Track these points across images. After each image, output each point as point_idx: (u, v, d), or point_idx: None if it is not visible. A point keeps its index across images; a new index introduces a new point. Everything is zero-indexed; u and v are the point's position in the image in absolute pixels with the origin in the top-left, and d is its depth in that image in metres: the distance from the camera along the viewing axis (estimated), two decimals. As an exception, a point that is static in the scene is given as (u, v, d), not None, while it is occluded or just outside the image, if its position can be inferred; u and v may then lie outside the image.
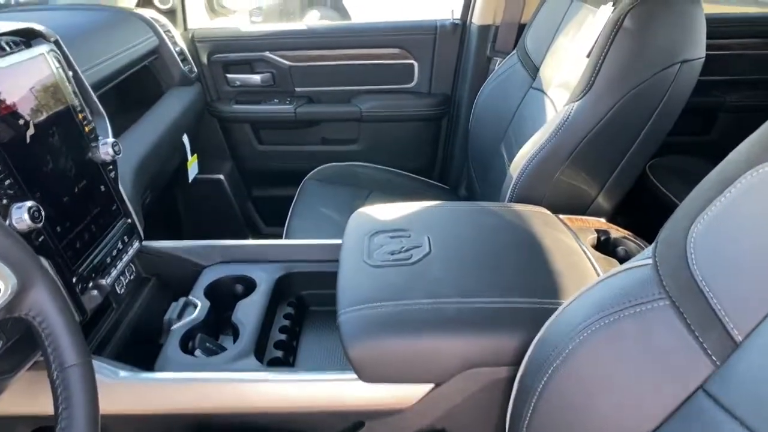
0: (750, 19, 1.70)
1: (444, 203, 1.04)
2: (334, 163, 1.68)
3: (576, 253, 0.88)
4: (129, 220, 1.00)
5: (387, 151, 1.78)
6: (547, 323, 0.65)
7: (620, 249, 0.98)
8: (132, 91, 1.49)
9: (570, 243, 0.91)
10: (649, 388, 0.53)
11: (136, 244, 1.01)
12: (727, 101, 1.66)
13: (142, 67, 1.47)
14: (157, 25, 1.52)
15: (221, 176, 1.78)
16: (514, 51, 1.45)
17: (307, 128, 1.78)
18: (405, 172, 1.71)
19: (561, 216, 1.02)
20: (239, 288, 1.05)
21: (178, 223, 1.85)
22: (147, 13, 1.56)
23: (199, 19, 1.77)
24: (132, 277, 1.05)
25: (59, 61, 0.89)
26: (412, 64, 1.69)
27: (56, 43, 0.91)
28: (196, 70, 1.66)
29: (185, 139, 1.54)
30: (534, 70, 1.36)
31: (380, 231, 0.93)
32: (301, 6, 4.92)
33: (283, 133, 1.80)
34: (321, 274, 1.05)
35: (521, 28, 1.48)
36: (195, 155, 1.63)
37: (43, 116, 0.82)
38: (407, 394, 0.76)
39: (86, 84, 0.98)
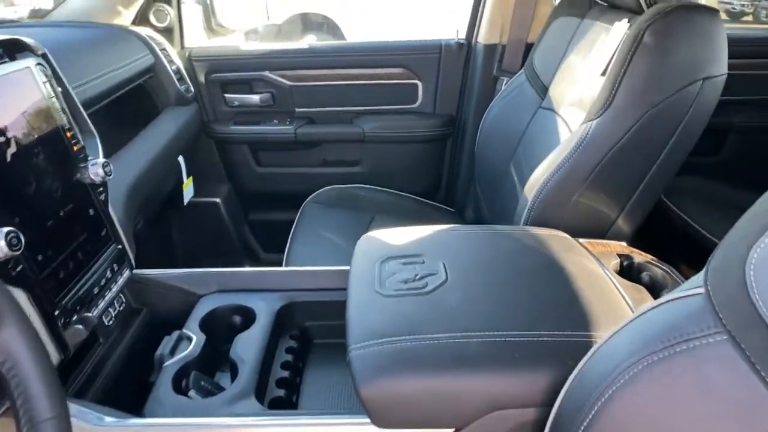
0: (756, 39, 1.68)
1: (456, 227, 0.98)
2: (335, 186, 1.62)
3: (602, 280, 0.82)
4: (119, 247, 0.93)
5: (390, 173, 1.73)
6: (584, 359, 0.58)
7: (645, 275, 0.92)
8: (126, 110, 1.43)
9: (594, 269, 0.85)
10: (708, 434, 0.46)
11: (126, 273, 0.94)
12: (735, 122, 1.62)
13: (137, 86, 1.41)
14: (153, 43, 1.48)
15: (218, 200, 1.72)
16: (522, 70, 1.40)
17: (308, 150, 1.73)
18: (409, 195, 1.65)
19: (580, 240, 0.96)
20: (237, 319, 0.98)
21: (172, 249, 1.77)
22: (143, 31, 1.51)
23: (197, 39, 1.73)
24: (121, 308, 0.97)
25: (47, 76, 0.83)
26: (415, 84, 1.65)
27: (44, 56, 0.85)
28: (192, 89, 1.60)
29: (181, 160, 1.48)
30: (543, 90, 1.32)
31: (391, 257, 0.87)
32: (297, 30, 4.93)
33: (283, 154, 1.74)
34: (326, 304, 0.99)
35: (528, 48, 1.44)
36: (191, 177, 1.57)
37: (27, 134, 0.75)
38: (425, 439, 0.69)
39: (76, 101, 0.92)
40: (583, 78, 1.12)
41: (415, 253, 0.87)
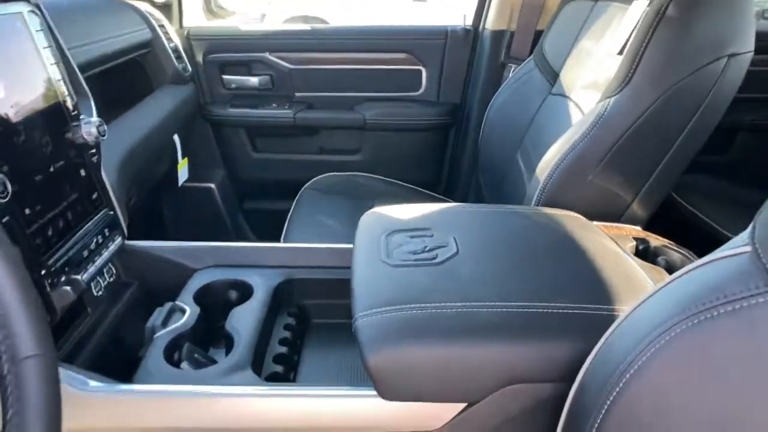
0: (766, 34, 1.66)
1: (465, 205, 0.94)
2: (334, 173, 1.57)
3: (620, 257, 0.78)
4: (111, 212, 0.88)
5: (390, 162, 1.69)
6: (609, 331, 0.54)
7: (661, 259, 0.88)
8: (120, 85, 1.38)
9: (611, 247, 0.81)
10: (756, 401, 0.42)
11: (118, 240, 0.89)
12: (746, 120, 1.60)
13: (132, 61, 1.37)
14: (151, 18, 1.43)
15: (212, 185, 1.67)
16: (531, 57, 1.37)
17: (307, 136, 1.69)
18: (409, 185, 1.61)
19: (596, 223, 0.92)
20: (234, 294, 0.94)
21: (163, 233, 1.72)
22: (141, 5, 1.46)
23: (196, 19, 1.69)
24: (111, 279, 0.92)
25: (40, 25, 0.79)
26: (419, 71, 1.62)
27: (37, 6, 0.81)
28: (190, 68, 1.56)
29: (176, 139, 1.43)
30: (553, 76, 1.29)
31: (398, 230, 0.83)
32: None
33: (281, 140, 1.70)
34: (326, 282, 0.94)
35: (538, 34, 1.41)
36: (186, 158, 1.52)
37: (17, 80, 0.71)
38: (435, 414, 0.64)
39: (70, 58, 0.87)
40: (598, 60, 1.09)
41: (424, 227, 0.83)
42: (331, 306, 0.95)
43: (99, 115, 0.89)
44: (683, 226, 1.40)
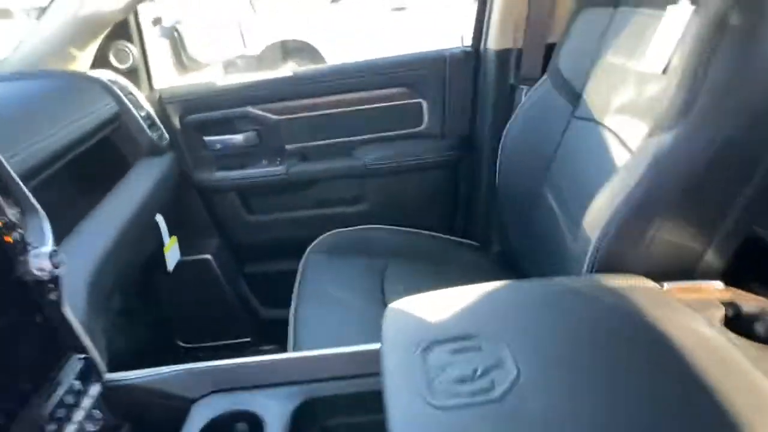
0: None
1: (507, 284, 0.77)
2: (339, 230, 1.41)
3: (721, 349, 0.61)
4: (82, 356, 0.73)
5: (398, 208, 1.53)
6: None
7: (758, 325, 0.71)
8: (91, 168, 1.23)
9: (706, 333, 0.64)
10: None
11: (95, 388, 0.74)
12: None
13: (101, 139, 1.21)
14: (115, 88, 1.28)
15: (208, 256, 1.51)
16: (545, 76, 1.21)
17: (304, 190, 1.53)
18: (424, 231, 1.45)
19: (666, 285, 0.75)
20: (241, 428, 0.77)
21: (162, 319, 1.56)
22: (103, 75, 1.31)
23: (167, 78, 1.53)
24: (97, 428, 0.76)
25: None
26: (419, 104, 1.45)
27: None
28: (167, 135, 1.40)
29: (160, 219, 1.27)
30: (574, 96, 1.13)
31: (435, 341, 0.66)
32: (277, 58, 4.76)
33: (276, 198, 1.54)
34: (354, 397, 0.78)
35: (550, 49, 1.25)
36: (174, 237, 1.36)
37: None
38: None
39: (11, 174, 0.71)
40: (634, 79, 0.92)
41: (466, 334, 0.66)
42: (363, 425, 0.79)
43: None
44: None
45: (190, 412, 0.78)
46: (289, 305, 1.21)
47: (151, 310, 1.51)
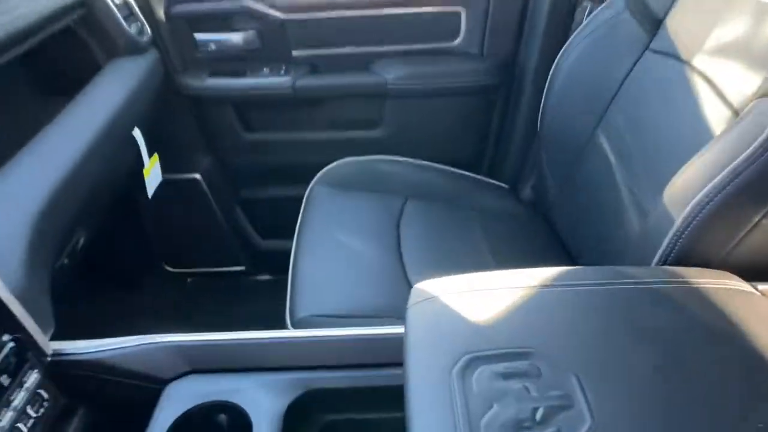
0: None
1: (564, 274, 0.59)
2: (350, 158, 1.21)
3: None
4: (13, 337, 0.56)
5: (421, 138, 1.31)
6: None
7: None
8: (50, 69, 1.01)
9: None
10: None
11: (33, 375, 0.58)
12: None
13: (63, 31, 0.98)
14: (83, -34, 1.02)
15: (197, 176, 1.32)
16: (618, -8, 0.96)
17: (311, 108, 1.30)
18: (447, 167, 1.25)
19: (761, 287, 0.58)
20: (224, 419, 0.63)
21: (148, 249, 1.40)
22: (68, -53, 1.04)
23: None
24: (41, 411, 0.61)
25: None
26: (457, 13, 1.20)
27: None
28: (149, 30, 1.16)
29: (137, 134, 1.06)
30: (653, 23, 0.91)
31: (479, 357, 0.49)
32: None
33: (278, 114, 1.32)
34: (365, 391, 0.63)
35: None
36: (155, 156, 1.16)
37: None
38: None
39: None
40: (750, 9, 0.70)
41: (519, 349, 0.49)
42: (369, 424, 0.64)
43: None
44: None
45: (161, 398, 0.63)
46: (288, 237, 1.05)
47: (132, 233, 1.34)
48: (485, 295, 0.56)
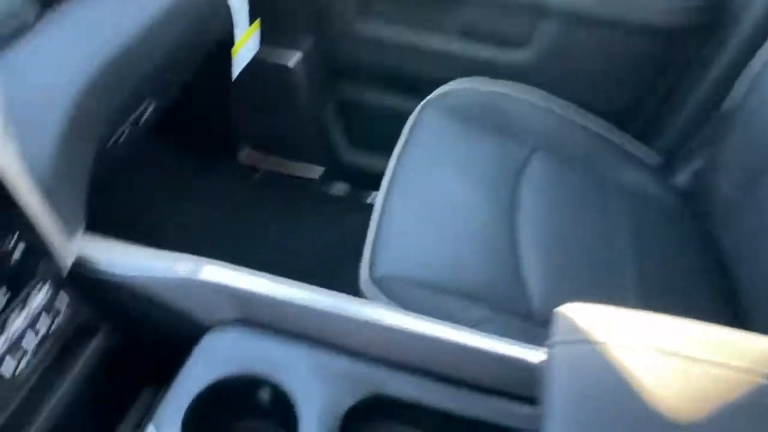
0: None
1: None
2: (475, 78, 0.98)
3: None
4: (28, 238, 0.43)
5: (573, 76, 1.04)
6: None
7: None
8: None
9: None
10: None
11: (44, 290, 0.45)
12: None
13: None
14: None
15: (289, 64, 1.11)
16: None
17: (446, 6, 1.05)
18: (593, 118, 1.00)
19: None
20: (264, 398, 0.50)
21: (227, 123, 1.24)
22: None
23: None
24: (49, 330, 0.49)
25: None
26: None
27: None
28: None
29: (233, -2, 0.85)
30: None
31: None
32: None
33: (404, 7, 1.07)
34: (453, 418, 0.49)
35: None
36: (257, 23, 0.96)
37: None
38: None
39: None
40: None
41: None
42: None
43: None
44: None
45: (196, 349, 0.50)
46: (378, 154, 0.92)
47: (214, 108, 1.18)
48: (687, 366, 0.37)
